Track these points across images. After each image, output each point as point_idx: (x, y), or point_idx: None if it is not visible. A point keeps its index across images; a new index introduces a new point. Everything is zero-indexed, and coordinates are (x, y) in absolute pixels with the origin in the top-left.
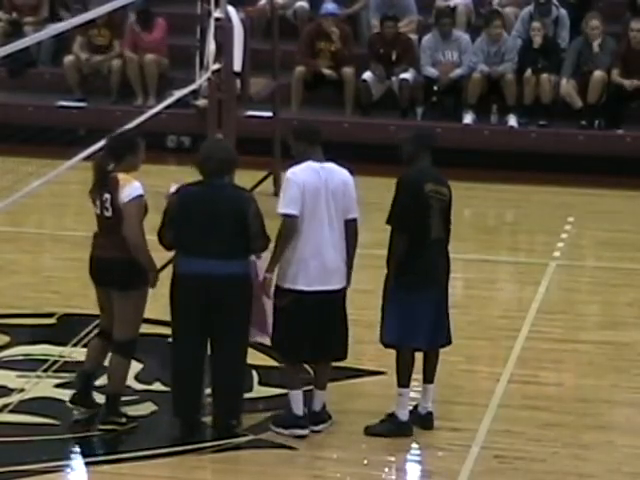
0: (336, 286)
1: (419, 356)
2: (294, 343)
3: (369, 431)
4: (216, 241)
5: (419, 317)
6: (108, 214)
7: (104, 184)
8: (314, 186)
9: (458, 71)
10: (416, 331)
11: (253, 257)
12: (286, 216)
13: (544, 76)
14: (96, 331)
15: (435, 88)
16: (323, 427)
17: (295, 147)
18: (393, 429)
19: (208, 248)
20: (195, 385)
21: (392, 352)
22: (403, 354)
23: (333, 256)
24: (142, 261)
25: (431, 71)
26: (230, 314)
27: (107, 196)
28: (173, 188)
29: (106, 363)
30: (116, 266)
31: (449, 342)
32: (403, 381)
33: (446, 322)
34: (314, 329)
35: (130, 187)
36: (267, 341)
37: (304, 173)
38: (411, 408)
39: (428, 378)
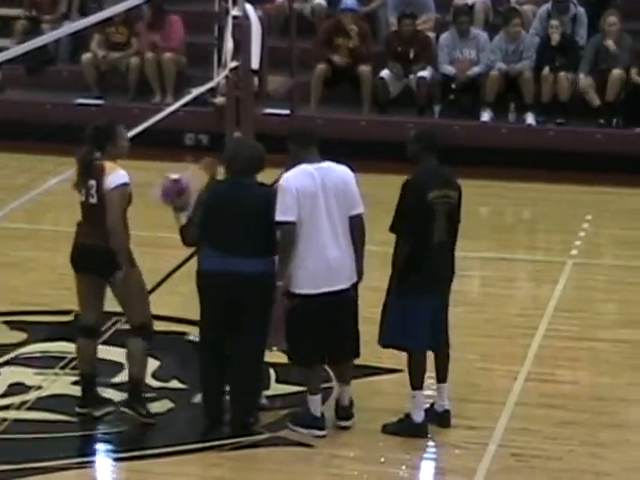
0: (344, 285)
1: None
2: (307, 347)
3: (386, 430)
4: (242, 239)
5: (419, 320)
6: (93, 201)
7: (89, 172)
8: (309, 189)
9: (476, 69)
10: (416, 333)
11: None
12: (283, 223)
13: (562, 74)
14: (79, 330)
15: (453, 86)
16: (351, 423)
17: (290, 149)
18: (408, 430)
19: (234, 246)
20: (218, 383)
21: None
22: (415, 357)
23: (338, 256)
24: (116, 249)
25: (449, 69)
26: (252, 312)
27: (92, 183)
28: (174, 176)
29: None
30: (106, 255)
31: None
32: (416, 384)
33: (446, 324)
34: (326, 330)
35: (115, 175)
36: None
37: (297, 178)
38: (428, 406)
39: (441, 378)
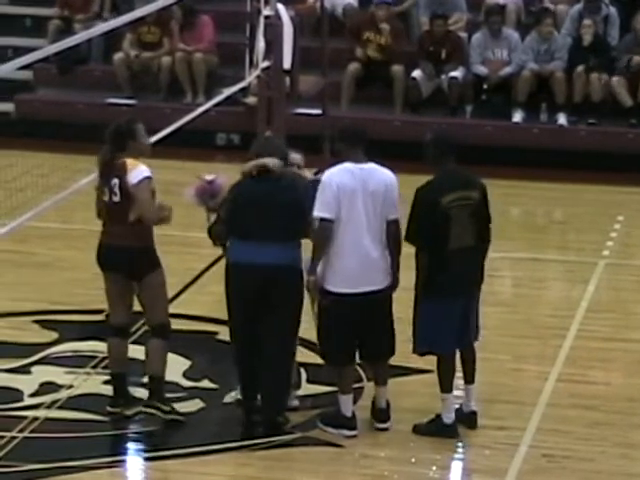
0: (378, 286)
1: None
2: (339, 345)
3: (416, 430)
4: (271, 227)
5: (445, 324)
6: (116, 199)
7: (111, 170)
8: (350, 187)
9: (507, 69)
10: (440, 337)
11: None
12: (320, 220)
13: (594, 74)
14: (109, 330)
15: (485, 86)
16: (389, 425)
17: (336, 146)
18: (438, 431)
19: (262, 233)
20: (252, 376)
21: None
22: (444, 361)
23: (374, 256)
24: (163, 222)
25: (480, 69)
26: (280, 306)
27: (115, 181)
28: (209, 177)
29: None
30: (130, 255)
31: (476, 339)
32: (445, 387)
33: (474, 325)
34: (358, 330)
35: (137, 170)
36: None
37: (339, 175)
38: (457, 406)
39: (468, 379)
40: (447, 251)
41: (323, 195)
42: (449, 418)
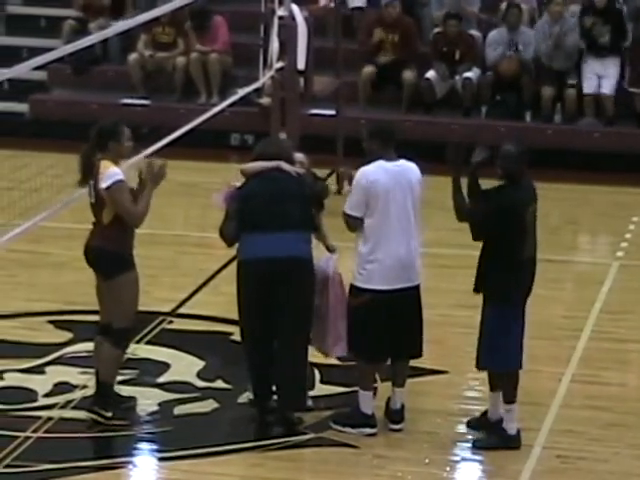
0: (413, 283)
1: None
2: (371, 342)
3: (477, 445)
4: (278, 221)
5: (514, 338)
6: (92, 200)
7: (90, 171)
8: (385, 185)
9: (522, 62)
10: (512, 352)
11: (330, 255)
12: (345, 214)
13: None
14: (98, 328)
15: (499, 86)
16: (403, 426)
17: (367, 145)
18: (503, 442)
19: (270, 229)
20: (265, 376)
21: (453, 351)
22: (511, 376)
23: (409, 253)
24: (144, 213)
25: (496, 67)
26: (291, 299)
27: (91, 182)
28: (239, 184)
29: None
30: (96, 255)
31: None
32: (513, 398)
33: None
34: (392, 327)
35: (108, 174)
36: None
37: (374, 173)
38: (480, 414)
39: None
40: (520, 260)
41: (355, 193)
42: (513, 429)
